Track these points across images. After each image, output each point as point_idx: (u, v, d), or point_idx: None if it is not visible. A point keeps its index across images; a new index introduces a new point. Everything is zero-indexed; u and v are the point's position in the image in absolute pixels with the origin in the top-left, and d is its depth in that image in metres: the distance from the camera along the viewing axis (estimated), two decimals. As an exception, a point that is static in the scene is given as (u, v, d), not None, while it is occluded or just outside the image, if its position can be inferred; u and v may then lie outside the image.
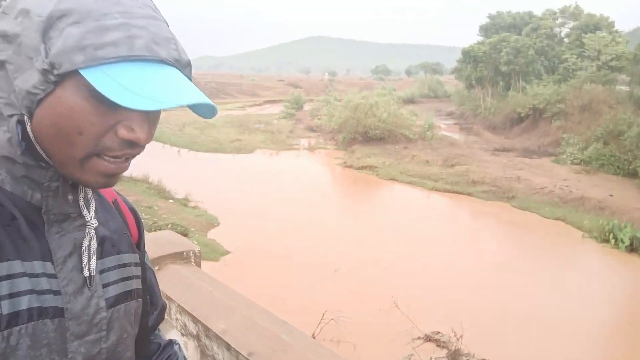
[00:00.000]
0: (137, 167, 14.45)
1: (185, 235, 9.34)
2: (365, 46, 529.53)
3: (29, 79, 0.55)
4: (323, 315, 5.98)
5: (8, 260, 0.58)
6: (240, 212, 10.84)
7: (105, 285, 0.69)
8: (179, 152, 19.07)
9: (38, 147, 0.58)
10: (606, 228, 9.64)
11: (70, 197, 0.65)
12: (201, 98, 0.57)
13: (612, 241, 9.39)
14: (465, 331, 5.62)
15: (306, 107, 34.97)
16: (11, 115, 0.57)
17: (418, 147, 18.85)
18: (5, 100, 0.57)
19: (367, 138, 19.75)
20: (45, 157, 0.59)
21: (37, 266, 0.62)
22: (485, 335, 5.79)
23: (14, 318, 0.58)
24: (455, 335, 5.46)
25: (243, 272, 7.70)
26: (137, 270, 0.77)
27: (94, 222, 0.67)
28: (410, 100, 45.06)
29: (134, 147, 0.60)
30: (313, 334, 5.75)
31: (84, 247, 0.67)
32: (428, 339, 5.70)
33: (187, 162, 17.19)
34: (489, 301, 6.90)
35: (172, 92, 0.56)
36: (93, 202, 0.69)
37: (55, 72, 0.54)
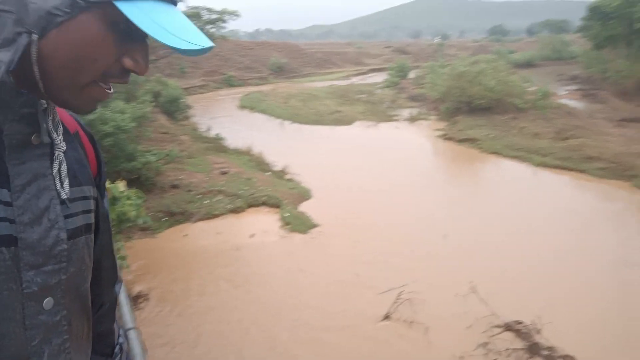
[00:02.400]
0: (244, 139, 15.39)
1: (277, 207, 9.86)
2: (481, 5, 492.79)
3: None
4: (399, 295, 6.03)
5: None
6: (332, 186, 11.09)
7: (67, 217, 0.67)
8: (281, 124, 19.81)
9: (36, 69, 0.57)
10: None
11: (44, 125, 0.63)
12: (209, 41, 0.61)
13: None
14: (550, 323, 5.31)
15: (412, 74, 33.93)
16: (19, 33, 0.54)
17: (528, 117, 17.43)
18: (14, 16, 0.54)
19: (472, 108, 18.72)
20: (39, 80, 0.58)
21: None
22: (573, 329, 5.40)
23: None
24: (535, 327, 5.18)
25: (327, 245, 7.95)
26: (94, 205, 0.76)
27: (63, 146, 0.67)
28: (528, 64, 41.41)
29: (129, 75, 0.63)
30: (387, 313, 5.85)
31: (54, 171, 0.65)
32: (507, 328, 5.47)
33: (287, 134, 17.83)
34: (584, 292, 6.36)
35: (195, 34, 0.59)
36: (61, 125, 0.68)
37: None
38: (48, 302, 0.65)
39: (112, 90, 0.64)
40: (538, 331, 5.17)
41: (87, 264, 0.73)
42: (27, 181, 0.62)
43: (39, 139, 0.63)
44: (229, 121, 19.80)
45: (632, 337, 5.37)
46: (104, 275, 0.84)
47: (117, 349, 0.91)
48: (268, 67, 41.55)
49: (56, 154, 0.66)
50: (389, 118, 20.56)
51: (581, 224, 8.87)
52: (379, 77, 35.72)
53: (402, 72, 33.18)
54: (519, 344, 5.19)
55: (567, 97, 24.10)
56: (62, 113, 0.74)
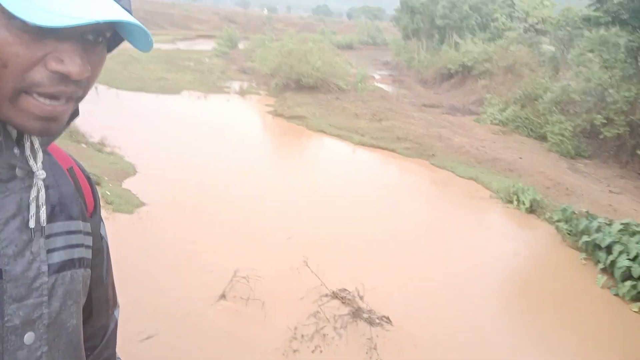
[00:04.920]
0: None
1: (98, 184, 8.89)
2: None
3: None
4: (235, 274, 6.06)
5: None
6: (159, 160, 10.47)
7: (50, 251, 0.67)
8: (95, 87, 17.74)
9: None
10: (511, 190, 10.37)
11: (16, 150, 0.62)
12: (119, 15, 0.54)
13: (515, 202, 10.15)
14: (371, 289, 5.95)
15: (241, 45, 33.56)
16: None
17: (349, 98, 18.86)
18: None
19: (299, 86, 19.44)
20: None
21: None
22: (389, 293, 6.16)
23: None
24: (358, 294, 5.76)
25: (157, 225, 7.53)
26: (87, 240, 0.75)
27: (41, 173, 0.65)
28: (348, 46, 44.54)
29: (68, 83, 0.57)
30: (223, 292, 5.84)
31: (31, 197, 0.64)
32: (335, 296, 5.97)
33: (104, 100, 16.09)
34: (397, 257, 7.29)
35: (85, 7, 0.53)
36: (40, 152, 0.66)
37: None
38: (29, 337, 0.64)
39: (57, 103, 0.58)
40: (361, 297, 5.76)
41: (74, 300, 0.71)
42: (11, 214, 0.62)
43: (24, 171, 0.63)
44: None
45: (437, 294, 6.38)
46: (95, 305, 0.84)
47: None
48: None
49: (34, 181, 0.65)
50: (219, 89, 20.11)
51: (392, 195, 10.09)
52: (207, 45, 34.46)
53: (231, 42, 32.61)
54: (344, 310, 5.71)
55: (380, 82, 26.73)
56: (56, 150, 0.77)
